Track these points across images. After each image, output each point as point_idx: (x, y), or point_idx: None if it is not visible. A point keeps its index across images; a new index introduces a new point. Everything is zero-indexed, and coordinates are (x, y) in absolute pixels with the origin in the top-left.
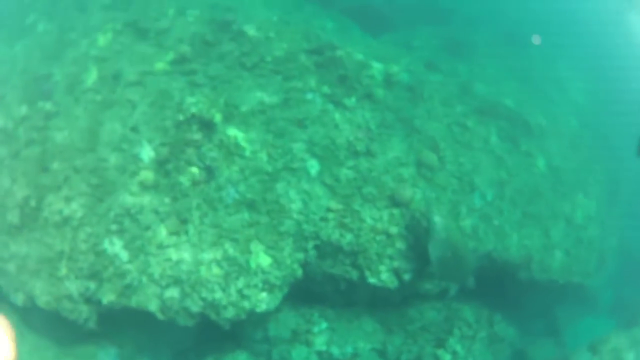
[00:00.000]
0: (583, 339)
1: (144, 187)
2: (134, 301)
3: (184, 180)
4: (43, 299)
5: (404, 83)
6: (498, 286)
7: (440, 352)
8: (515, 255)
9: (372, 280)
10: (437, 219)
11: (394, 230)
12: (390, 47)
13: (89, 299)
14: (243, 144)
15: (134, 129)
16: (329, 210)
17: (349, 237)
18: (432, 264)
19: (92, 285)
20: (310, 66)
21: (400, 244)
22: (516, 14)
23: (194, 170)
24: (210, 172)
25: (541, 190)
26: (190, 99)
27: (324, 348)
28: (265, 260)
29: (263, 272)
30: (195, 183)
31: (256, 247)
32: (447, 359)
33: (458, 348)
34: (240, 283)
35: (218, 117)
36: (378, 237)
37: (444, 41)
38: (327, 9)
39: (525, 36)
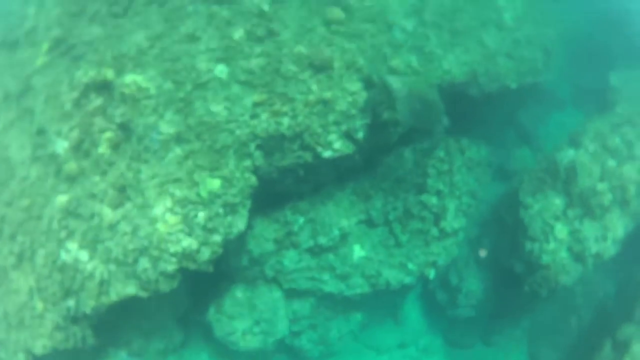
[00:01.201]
0: (558, 137)
1: (72, 178)
2: (113, 294)
3: (103, 149)
4: (38, 346)
5: None
6: (457, 113)
7: (424, 197)
8: (458, 74)
9: (326, 153)
10: (391, 79)
11: (327, 95)
12: None
13: (75, 318)
14: (145, 84)
15: (40, 131)
16: (255, 105)
17: (285, 121)
18: (407, 123)
19: (71, 302)
20: None
21: (340, 106)
22: None
23: (109, 135)
24: (125, 128)
25: (460, 5)
26: (78, 73)
27: (311, 243)
28: (214, 184)
29: (218, 196)
30: (115, 147)
31: (200, 176)
32: (434, 201)
33: (440, 186)
34: (201, 219)
35: (110, 74)
36: (315, 109)
37: None
38: None
39: None
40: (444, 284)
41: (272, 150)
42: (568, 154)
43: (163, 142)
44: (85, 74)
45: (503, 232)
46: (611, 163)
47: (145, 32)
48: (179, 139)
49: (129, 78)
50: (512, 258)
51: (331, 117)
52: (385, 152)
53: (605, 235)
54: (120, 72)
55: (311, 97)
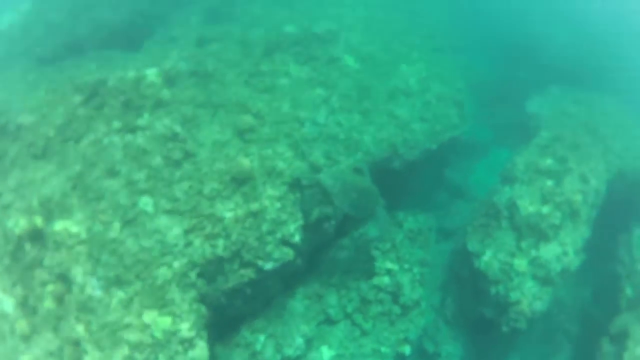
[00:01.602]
0: (490, 181)
1: (27, 337)
2: None
3: (49, 303)
4: None
5: (185, 71)
6: (385, 188)
7: (376, 280)
8: (378, 152)
9: (268, 265)
10: (322, 177)
11: (255, 206)
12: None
13: None
14: (75, 229)
15: None
16: (186, 232)
17: (220, 242)
18: (349, 215)
19: None
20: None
21: (270, 214)
22: None
23: (50, 287)
24: (64, 279)
25: (365, 83)
26: (9, 224)
27: (278, 358)
28: (165, 323)
29: (172, 334)
30: (59, 300)
31: (150, 316)
32: (387, 281)
33: (388, 265)
34: None
35: (39, 221)
36: (247, 223)
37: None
38: None
39: None
40: (422, 355)
41: (213, 275)
42: (504, 193)
43: (104, 287)
44: (17, 225)
45: (463, 287)
46: (549, 183)
47: (65, 173)
48: (119, 281)
49: (59, 225)
50: (480, 306)
51: (264, 228)
52: (326, 247)
53: (566, 251)
54: (48, 218)
55: (240, 212)
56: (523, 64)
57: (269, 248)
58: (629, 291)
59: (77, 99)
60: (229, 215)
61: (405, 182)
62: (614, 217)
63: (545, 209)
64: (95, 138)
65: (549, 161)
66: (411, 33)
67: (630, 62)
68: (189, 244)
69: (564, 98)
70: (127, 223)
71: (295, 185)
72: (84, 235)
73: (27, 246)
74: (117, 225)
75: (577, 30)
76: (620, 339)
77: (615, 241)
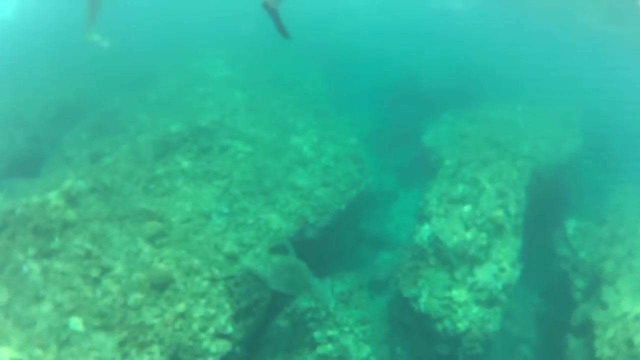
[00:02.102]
0: (408, 223)
1: None
2: None
3: None
4: None
5: (85, 189)
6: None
7: (319, 349)
8: (289, 227)
9: None
10: (252, 265)
11: (181, 307)
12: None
13: None
14: (16, 355)
15: None
16: (120, 345)
17: (155, 349)
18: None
19: None
20: None
21: (197, 312)
22: None
23: None
24: None
25: (260, 165)
26: None
27: None
28: None
29: None
30: None
31: None
32: (330, 348)
33: (328, 332)
34: None
35: None
36: (177, 325)
37: None
38: None
39: None
40: None
41: None
42: (425, 231)
43: None
44: None
45: (410, 333)
46: (467, 209)
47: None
48: None
49: (3, 352)
50: (433, 346)
51: (195, 326)
52: (262, 330)
53: (502, 267)
54: None
55: (168, 316)
56: (408, 101)
57: (204, 344)
58: (579, 282)
59: None
60: (157, 321)
61: (324, 247)
62: (543, 216)
63: (469, 235)
64: (14, 267)
65: (460, 187)
66: (292, 103)
67: (501, 69)
68: (125, 355)
69: (457, 121)
70: (62, 344)
71: (215, 279)
72: None
73: None
74: (54, 347)
75: (442, 53)
76: (585, 330)
77: (549, 240)
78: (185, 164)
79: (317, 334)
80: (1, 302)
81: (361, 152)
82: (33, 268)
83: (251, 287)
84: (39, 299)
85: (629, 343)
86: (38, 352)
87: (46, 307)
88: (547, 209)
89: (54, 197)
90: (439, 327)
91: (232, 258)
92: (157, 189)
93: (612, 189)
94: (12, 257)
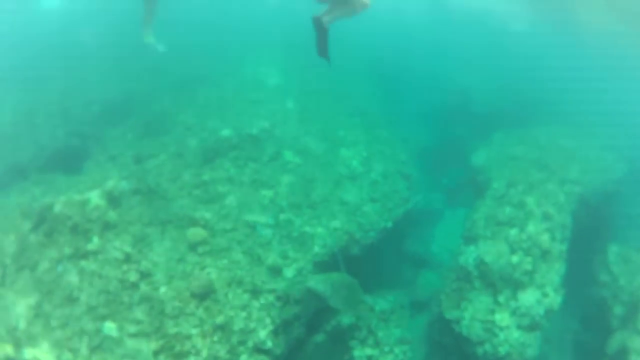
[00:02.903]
0: (452, 244)
1: None
2: None
3: None
4: None
5: (128, 190)
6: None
7: None
8: (334, 243)
9: None
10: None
11: (220, 319)
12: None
13: None
14: (44, 357)
15: None
16: (155, 354)
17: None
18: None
19: None
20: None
21: (237, 325)
22: None
23: None
24: None
25: (308, 176)
26: None
27: None
28: None
29: None
30: None
31: None
32: None
33: (368, 351)
34: None
35: (10, 350)
36: (215, 337)
37: None
38: None
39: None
40: None
41: None
42: (470, 253)
43: None
44: None
45: (449, 355)
46: (514, 232)
47: (26, 301)
48: None
49: (29, 354)
50: None
51: (234, 339)
52: (301, 345)
53: (545, 292)
54: (18, 346)
55: (206, 328)
56: (459, 120)
57: (242, 358)
58: (617, 309)
59: (27, 225)
60: (195, 331)
61: (367, 264)
62: (586, 241)
63: (515, 258)
64: (49, 266)
65: (507, 210)
66: (343, 115)
67: (553, 92)
68: None
69: (507, 142)
70: (94, 349)
71: (256, 292)
72: None
73: None
74: (85, 351)
75: (495, 73)
76: (621, 356)
77: (591, 265)
78: (233, 170)
79: (356, 353)
80: (32, 301)
81: (410, 170)
82: (68, 268)
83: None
84: (72, 300)
85: None
86: (68, 355)
87: (79, 309)
88: (590, 235)
89: (95, 196)
90: (480, 350)
91: (275, 271)
92: (202, 195)
93: None
94: (47, 255)
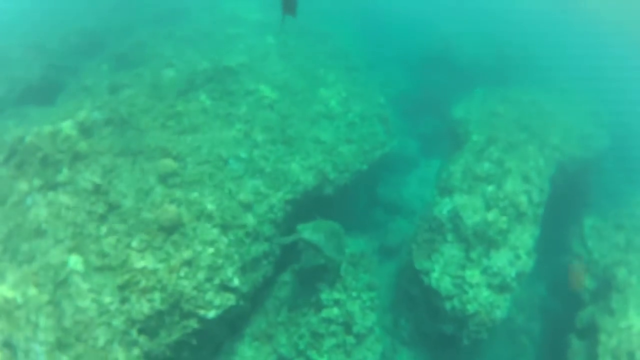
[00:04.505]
0: (425, 193)
1: None
2: None
3: None
4: None
5: (100, 121)
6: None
7: (325, 312)
8: (308, 181)
9: (211, 314)
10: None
11: (188, 254)
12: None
13: None
14: (10, 294)
15: None
16: (121, 288)
17: (157, 296)
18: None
19: None
20: None
21: (204, 261)
22: None
23: None
24: (8, 345)
25: (285, 112)
26: None
27: None
28: None
29: None
30: None
31: None
32: (336, 312)
33: (335, 295)
34: None
35: None
36: (182, 273)
37: None
38: None
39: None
40: None
41: (155, 329)
42: (445, 204)
43: (47, 352)
44: None
45: (416, 306)
46: (491, 189)
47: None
48: (61, 345)
49: None
50: (437, 323)
51: (201, 275)
52: (268, 284)
53: (518, 254)
54: None
55: (173, 262)
56: (440, 70)
57: (208, 296)
58: (589, 283)
59: None
60: (161, 266)
61: (339, 206)
62: (560, 209)
63: (490, 216)
64: (18, 198)
65: (486, 165)
66: (324, 55)
67: (539, 53)
68: (125, 300)
69: (489, 98)
70: (60, 284)
71: (226, 227)
72: (19, 300)
73: None
74: (50, 287)
75: (485, 28)
76: (590, 333)
77: (564, 233)
78: (208, 103)
79: (324, 295)
80: (0, 236)
81: (389, 114)
82: (37, 200)
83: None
84: (40, 233)
85: (631, 356)
86: (33, 291)
87: (46, 242)
88: (565, 202)
89: (66, 127)
90: (448, 305)
91: (246, 206)
92: (175, 126)
93: (632, 193)
94: (17, 188)
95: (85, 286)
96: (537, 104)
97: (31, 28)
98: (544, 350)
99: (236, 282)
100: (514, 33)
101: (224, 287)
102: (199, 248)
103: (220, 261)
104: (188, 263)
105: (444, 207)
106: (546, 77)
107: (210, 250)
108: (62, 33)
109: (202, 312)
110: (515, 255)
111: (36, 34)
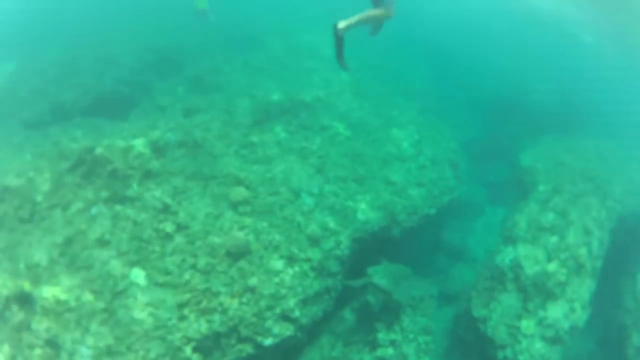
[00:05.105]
0: (489, 241)
1: None
2: None
3: None
4: None
5: (173, 142)
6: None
7: (379, 351)
8: (376, 221)
9: (267, 341)
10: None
11: (252, 281)
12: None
13: None
14: (64, 297)
15: None
16: (180, 306)
17: (217, 318)
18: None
19: None
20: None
21: (268, 289)
22: None
23: (38, 352)
24: (52, 344)
25: (357, 150)
26: None
27: None
28: None
29: None
30: None
31: None
32: (391, 352)
33: (392, 336)
34: None
35: (27, 285)
36: (244, 299)
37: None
38: None
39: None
40: None
41: (210, 349)
42: (507, 253)
43: (94, 357)
44: (4, 286)
45: (470, 353)
46: (553, 240)
47: (52, 239)
48: (110, 352)
49: (47, 291)
50: None
51: (263, 303)
52: (327, 319)
53: (573, 307)
54: (36, 283)
55: (236, 288)
56: (510, 117)
57: (268, 324)
58: (635, 339)
59: (64, 165)
60: (224, 290)
61: (404, 248)
62: (616, 263)
63: (551, 267)
64: (83, 206)
65: (550, 216)
66: (398, 95)
67: (605, 104)
68: (183, 318)
69: (556, 147)
70: (118, 294)
71: (292, 259)
72: (72, 303)
73: (15, 308)
74: (107, 295)
75: (553, 75)
76: None
77: (619, 289)
78: (283, 135)
79: (380, 335)
80: (59, 239)
81: (460, 159)
82: (103, 211)
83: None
84: (102, 243)
85: None
86: (89, 296)
87: (108, 253)
88: (622, 256)
89: (139, 144)
90: (500, 354)
91: (314, 241)
92: (249, 156)
93: None
94: (82, 196)
95: (144, 299)
96: (603, 156)
97: (101, 40)
98: None
99: (297, 313)
100: (586, 85)
101: (284, 317)
102: (264, 277)
103: (283, 291)
104: (251, 290)
105: (507, 256)
106: (613, 127)
107: (275, 279)
108: (135, 49)
109: (259, 338)
110: (570, 308)
111: (106, 46)
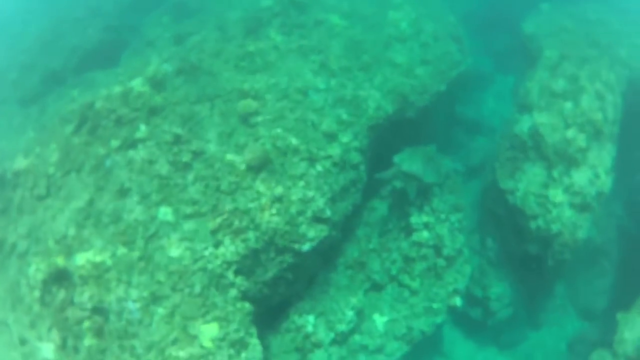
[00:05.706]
0: (504, 110)
1: None
2: None
3: (89, 340)
4: None
5: (171, 72)
6: (403, 140)
7: (415, 236)
8: (389, 105)
9: (305, 247)
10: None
11: (278, 190)
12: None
13: None
14: (98, 259)
15: (23, 341)
16: (213, 233)
17: (251, 235)
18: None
19: None
20: None
21: (296, 195)
22: None
23: (87, 324)
24: (99, 311)
25: (357, 38)
26: (30, 270)
27: (332, 335)
28: (213, 330)
29: (221, 339)
30: (98, 333)
31: (195, 327)
32: (426, 235)
33: (425, 218)
34: None
35: (61, 260)
36: (274, 210)
37: None
38: None
39: None
40: (472, 301)
41: (251, 268)
42: (524, 121)
43: (142, 308)
44: (38, 270)
45: (502, 225)
46: (568, 105)
47: (74, 205)
48: (156, 298)
49: (80, 259)
50: (523, 243)
51: (293, 210)
52: (356, 213)
53: (597, 173)
54: (69, 254)
55: (264, 201)
56: None
57: (302, 229)
58: None
59: (68, 129)
60: (253, 205)
61: (420, 128)
62: (631, 127)
63: (569, 133)
64: (96, 163)
65: (561, 82)
66: None
67: None
68: (218, 243)
69: (556, 14)
70: (150, 238)
71: (313, 159)
72: (109, 262)
73: (54, 288)
74: (140, 243)
75: None
76: None
77: (636, 152)
78: (279, 39)
79: (413, 219)
80: (81, 203)
81: (461, 32)
82: (117, 160)
83: (347, 167)
84: (123, 192)
85: None
86: (122, 250)
87: (132, 200)
88: (635, 120)
89: (137, 84)
90: (533, 225)
91: (331, 136)
92: (249, 66)
93: None
94: (93, 153)
95: (176, 235)
96: (604, 20)
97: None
98: (621, 273)
99: (328, 212)
100: None
101: (317, 219)
102: (289, 183)
103: (311, 194)
104: (279, 199)
105: (524, 125)
106: None
107: (301, 183)
108: None
109: (296, 246)
110: (594, 174)
111: (83, 3)
